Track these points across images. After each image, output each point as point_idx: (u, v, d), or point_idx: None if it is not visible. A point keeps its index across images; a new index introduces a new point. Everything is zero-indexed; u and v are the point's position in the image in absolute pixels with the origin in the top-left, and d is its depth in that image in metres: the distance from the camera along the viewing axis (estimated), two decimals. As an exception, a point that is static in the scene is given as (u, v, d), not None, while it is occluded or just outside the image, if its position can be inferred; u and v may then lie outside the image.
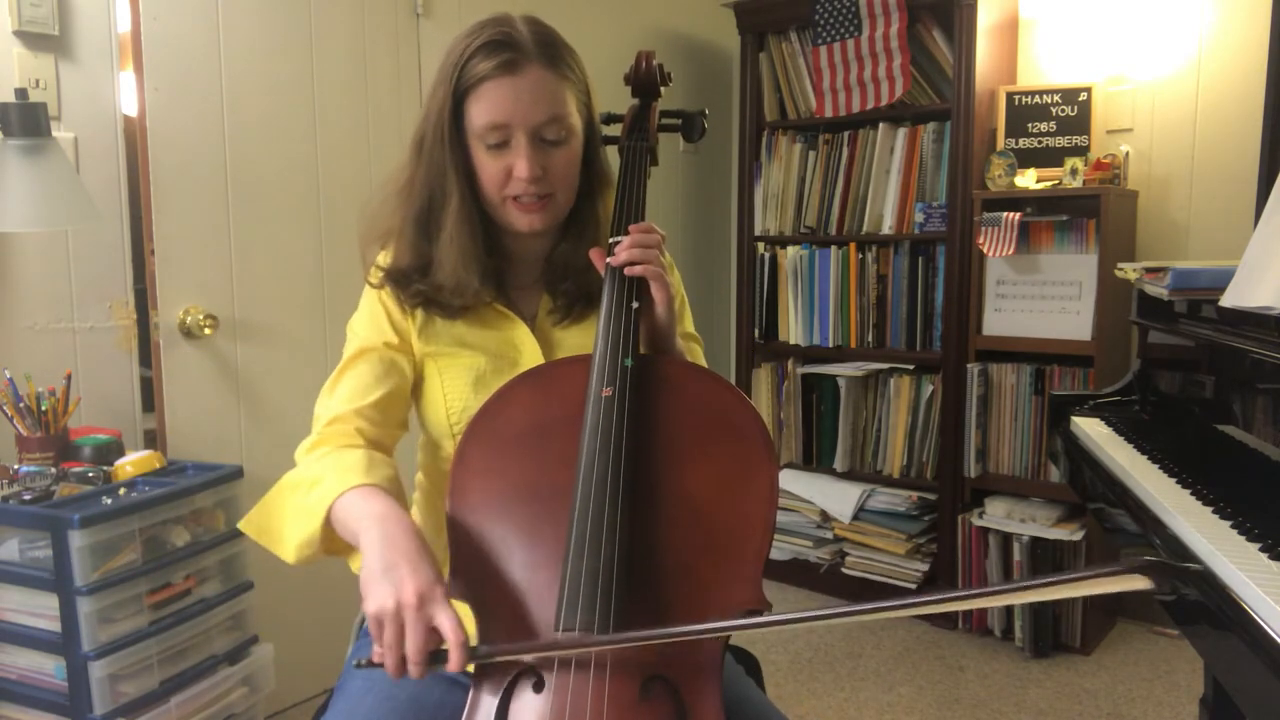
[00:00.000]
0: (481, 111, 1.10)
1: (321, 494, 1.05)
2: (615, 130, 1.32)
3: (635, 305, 1.10)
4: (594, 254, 1.16)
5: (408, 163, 1.18)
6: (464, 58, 1.10)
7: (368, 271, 1.23)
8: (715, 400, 1.09)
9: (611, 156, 1.28)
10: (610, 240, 1.16)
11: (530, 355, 1.19)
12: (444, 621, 0.91)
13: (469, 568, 1.01)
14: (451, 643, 0.90)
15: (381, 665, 0.92)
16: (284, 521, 1.09)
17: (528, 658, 0.96)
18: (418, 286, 1.17)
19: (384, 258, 1.21)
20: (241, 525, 1.13)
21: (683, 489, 1.03)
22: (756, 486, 1.03)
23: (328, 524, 1.04)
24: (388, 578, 0.93)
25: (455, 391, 1.18)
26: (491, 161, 1.12)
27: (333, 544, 1.07)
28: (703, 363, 1.23)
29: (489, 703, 0.96)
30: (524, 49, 1.09)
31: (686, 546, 1.00)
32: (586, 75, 1.18)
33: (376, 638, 0.92)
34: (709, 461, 1.05)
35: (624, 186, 1.21)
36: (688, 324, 1.30)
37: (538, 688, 0.95)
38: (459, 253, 1.14)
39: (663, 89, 1.34)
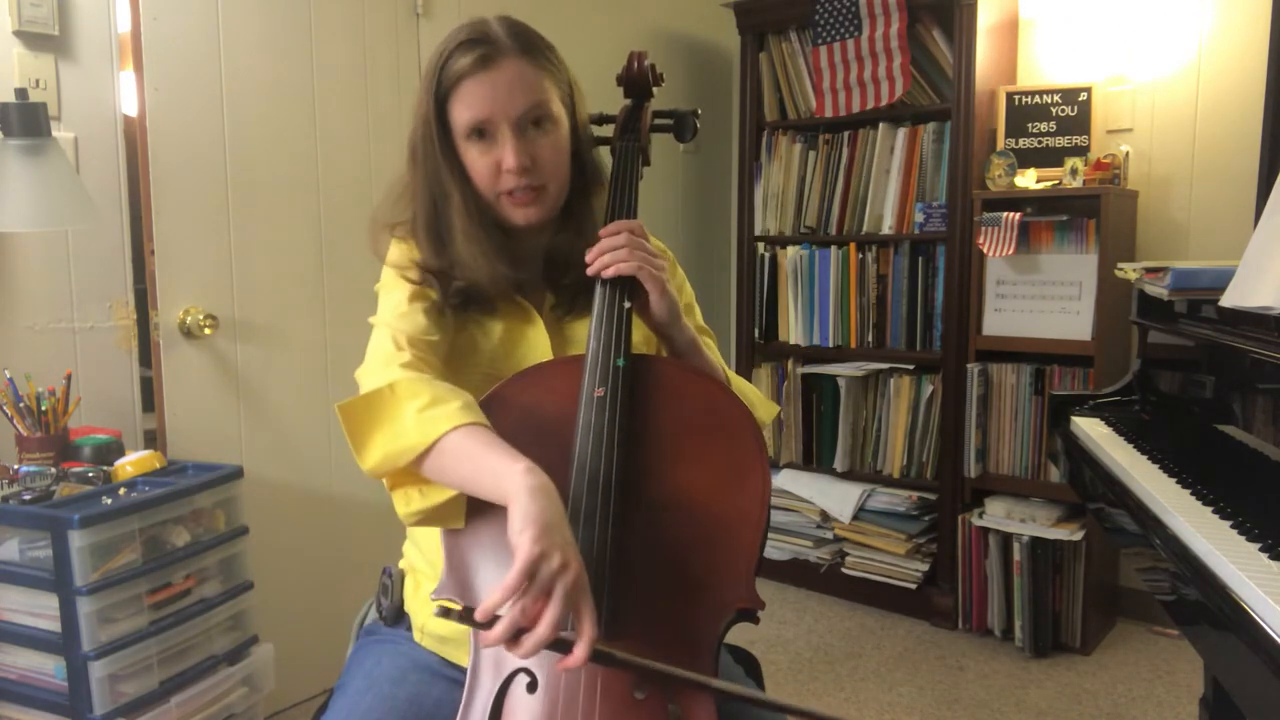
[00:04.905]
0: (463, 110, 1.12)
1: (446, 412, 0.98)
2: (608, 131, 1.32)
3: (627, 305, 1.10)
4: (589, 258, 1.13)
5: (406, 172, 1.20)
6: (442, 60, 1.13)
7: (377, 251, 1.20)
8: (707, 399, 1.09)
9: (605, 158, 1.28)
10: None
11: (541, 348, 1.19)
12: (588, 612, 0.86)
13: (463, 569, 1.02)
14: (586, 636, 0.85)
15: (470, 618, 0.83)
16: (387, 423, 1.00)
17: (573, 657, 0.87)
18: (457, 284, 1.15)
19: (403, 252, 1.18)
20: (338, 406, 1.02)
21: (674, 488, 1.03)
22: (748, 484, 1.04)
23: (439, 443, 0.96)
24: (557, 534, 0.87)
25: (466, 385, 1.18)
26: (480, 157, 1.13)
27: (419, 468, 1.00)
28: (716, 357, 1.23)
29: (482, 702, 0.96)
30: (498, 43, 1.11)
31: (678, 546, 1.01)
32: (569, 72, 1.19)
33: (512, 591, 0.82)
34: (700, 460, 1.05)
35: (616, 186, 1.22)
36: (698, 317, 1.29)
37: (531, 687, 0.95)
38: (478, 246, 1.14)
39: (655, 89, 1.34)
